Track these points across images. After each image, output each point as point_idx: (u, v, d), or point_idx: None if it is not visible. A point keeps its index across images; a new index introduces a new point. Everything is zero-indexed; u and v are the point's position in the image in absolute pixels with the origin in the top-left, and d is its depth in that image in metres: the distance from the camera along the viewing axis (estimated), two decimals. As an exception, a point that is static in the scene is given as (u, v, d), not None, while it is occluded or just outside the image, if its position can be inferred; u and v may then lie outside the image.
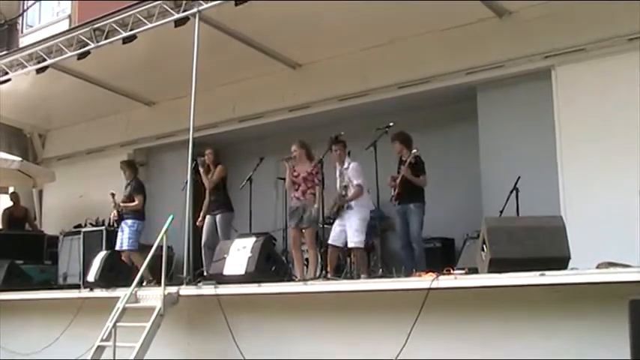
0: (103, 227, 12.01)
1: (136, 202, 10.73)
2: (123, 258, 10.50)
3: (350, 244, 8.90)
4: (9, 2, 19.30)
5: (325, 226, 9.14)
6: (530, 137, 9.59)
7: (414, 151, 9.19)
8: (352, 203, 9.00)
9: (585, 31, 9.10)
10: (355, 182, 9.03)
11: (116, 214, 10.81)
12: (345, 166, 9.12)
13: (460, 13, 9.79)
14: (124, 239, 10.53)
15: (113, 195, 10.66)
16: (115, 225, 11.08)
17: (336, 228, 9.11)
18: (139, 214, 10.78)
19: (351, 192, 9.01)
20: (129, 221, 10.64)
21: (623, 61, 8.77)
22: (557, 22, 9.34)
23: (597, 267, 6.47)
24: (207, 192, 10.46)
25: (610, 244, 7.78)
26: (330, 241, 9.03)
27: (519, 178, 8.77)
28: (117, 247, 10.64)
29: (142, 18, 10.09)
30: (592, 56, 9.08)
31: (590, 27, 9.06)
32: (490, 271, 6.39)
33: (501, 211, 8.63)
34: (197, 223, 10.22)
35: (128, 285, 8.96)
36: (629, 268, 5.86)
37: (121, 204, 10.69)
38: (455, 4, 9.43)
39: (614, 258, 6.53)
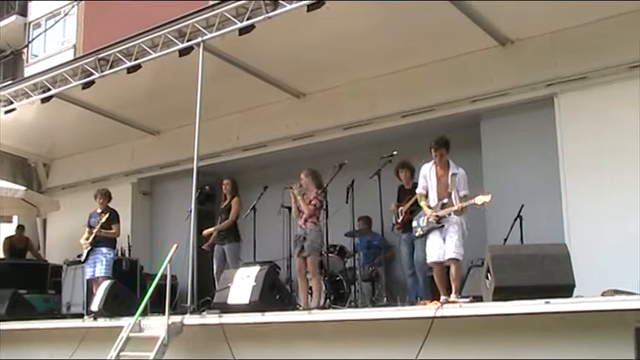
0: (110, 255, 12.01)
1: (114, 231, 11.05)
2: (94, 285, 10.73)
3: (451, 255, 7.82)
4: (14, 29, 19.49)
5: (329, 254, 9.13)
6: (534, 165, 9.60)
7: None
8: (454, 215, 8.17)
9: (587, 59, 9.15)
10: (462, 193, 8.21)
11: (88, 245, 10.96)
12: (452, 172, 8.28)
13: (464, 42, 9.84)
14: (101, 268, 10.81)
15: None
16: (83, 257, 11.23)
17: (433, 244, 8.04)
18: (113, 243, 11.15)
19: (456, 201, 8.09)
20: (104, 249, 10.91)
21: (625, 88, 8.80)
22: (559, 50, 9.39)
23: (602, 294, 6.48)
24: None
25: (615, 272, 7.78)
26: (433, 260, 7.99)
27: (523, 205, 8.77)
28: (94, 275, 10.90)
29: (146, 48, 10.16)
30: (594, 84, 9.12)
31: (592, 55, 9.10)
32: (495, 299, 6.39)
33: (505, 239, 8.64)
34: (205, 247, 10.28)
35: (132, 314, 8.93)
36: (634, 295, 5.85)
37: (102, 231, 10.84)
38: (458, 34, 9.50)
39: (619, 285, 6.54)
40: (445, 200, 8.07)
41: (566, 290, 6.30)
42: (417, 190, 8.44)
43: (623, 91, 8.82)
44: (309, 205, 9.04)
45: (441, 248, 7.85)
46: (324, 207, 9.13)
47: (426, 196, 8.28)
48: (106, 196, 11.30)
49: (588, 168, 8.95)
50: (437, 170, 8.30)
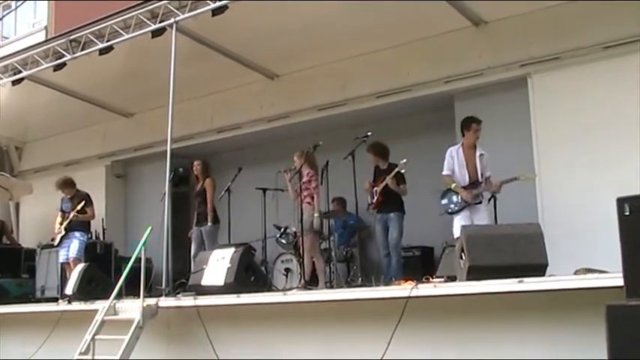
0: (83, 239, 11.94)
1: (89, 214, 11.05)
2: (67, 269, 10.79)
3: None
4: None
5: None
6: (508, 145, 9.64)
7: (404, 161, 9.23)
8: (484, 196, 8.58)
9: (560, 39, 9.20)
10: (488, 174, 8.60)
11: (62, 230, 10.95)
12: (480, 153, 8.64)
13: (437, 22, 9.85)
14: (74, 250, 10.83)
15: None
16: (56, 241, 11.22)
17: (462, 222, 8.29)
18: (87, 227, 11.19)
19: (484, 184, 8.52)
20: (77, 233, 10.94)
21: (599, 68, 8.88)
22: (533, 30, 9.43)
23: (575, 273, 6.52)
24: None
25: (587, 251, 7.85)
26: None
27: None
28: (67, 257, 10.94)
29: (118, 29, 10.06)
30: (567, 64, 9.18)
31: (565, 36, 9.15)
32: (469, 279, 6.41)
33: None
34: (189, 234, 10.27)
35: (107, 297, 8.88)
36: (606, 273, 5.89)
37: (77, 215, 10.81)
38: (432, 14, 9.49)
39: (592, 264, 6.60)
40: (480, 180, 8.46)
41: (539, 269, 6.33)
42: (444, 172, 8.70)
43: (597, 71, 8.89)
44: (309, 185, 9.14)
45: None
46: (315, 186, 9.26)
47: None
48: (66, 184, 11.22)
49: (561, 148, 9.02)
50: (464, 152, 8.61)
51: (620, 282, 5.17)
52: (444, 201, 8.65)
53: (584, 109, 8.95)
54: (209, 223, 10.46)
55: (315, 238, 9.31)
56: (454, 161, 8.64)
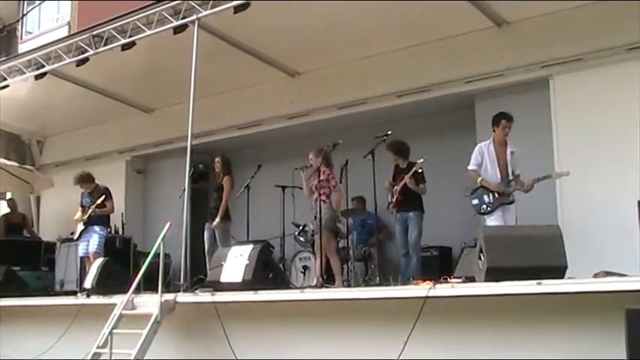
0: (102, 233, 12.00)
1: (108, 207, 11.11)
2: (87, 263, 10.83)
3: None
4: (9, 6, 19.34)
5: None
6: (528, 146, 9.56)
7: (421, 160, 9.21)
8: (514, 196, 8.47)
9: (583, 40, 9.14)
10: (518, 171, 8.53)
11: (82, 224, 11.03)
12: (511, 150, 8.59)
13: (459, 22, 9.82)
14: (94, 244, 10.91)
15: None
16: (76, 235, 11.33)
17: (499, 223, 8.27)
18: (107, 221, 11.30)
19: (514, 182, 8.44)
20: (97, 227, 11.01)
21: (622, 70, 8.82)
22: (555, 31, 9.38)
23: (594, 276, 6.48)
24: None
25: (607, 253, 7.81)
26: None
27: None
28: (87, 251, 11.00)
29: (140, 25, 10.09)
30: (590, 66, 9.12)
31: (588, 37, 9.09)
32: (487, 280, 6.39)
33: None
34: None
35: (125, 292, 8.93)
36: (626, 277, 5.86)
37: (96, 209, 10.86)
38: (454, 14, 9.46)
39: (612, 267, 6.55)
40: (511, 178, 8.38)
41: (558, 271, 6.29)
42: (470, 168, 8.65)
43: (619, 73, 8.83)
44: (327, 183, 9.09)
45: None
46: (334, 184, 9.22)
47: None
48: (84, 180, 11.29)
49: (582, 150, 8.96)
50: (495, 148, 8.53)
51: (640, 286, 5.15)
52: (475, 201, 8.57)
53: (606, 111, 8.89)
54: (217, 220, 10.42)
55: (330, 237, 9.26)
56: (483, 157, 8.57)
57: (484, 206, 8.46)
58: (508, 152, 8.52)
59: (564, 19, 9.27)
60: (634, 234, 5.21)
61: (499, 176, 8.46)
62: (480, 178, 8.48)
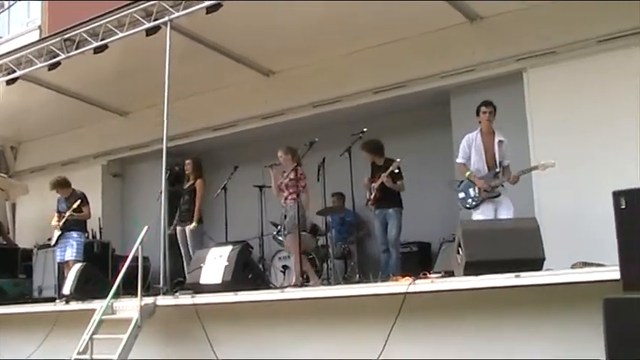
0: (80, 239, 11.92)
1: (85, 213, 10.97)
2: (65, 269, 10.68)
3: None
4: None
5: (302, 232, 9.12)
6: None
7: (398, 160, 9.21)
8: (506, 186, 8.22)
9: (556, 34, 9.20)
10: (507, 162, 8.28)
11: (59, 229, 10.89)
12: (499, 139, 8.34)
13: (433, 18, 9.84)
14: (72, 251, 10.75)
15: None
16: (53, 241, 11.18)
17: (484, 217, 8.07)
18: (84, 226, 11.13)
19: (502, 173, 8.20)
20: (74, 233, 10.86)
21: (594, 63, 8.89)
22: (528, 25, 9.43)
23: (572, 267, 6.53)
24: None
25: (584, 244, 7.84)
26: None
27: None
28: (63, 258, 10.86)
29: (112, 28, 10.03)
30: (563, 59, 9.18)
31: (561, 30, 9.15)
32: (466, 274, 6.42)
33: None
34: (169, 231, 10.24)
35: (104, 297, 8.88)
36: (603, 267, 5.90)
37: (73, 214, 10.75)
38: (428, 10, 9.48)
39: (589, 258, 6.61)
40: (497, 169, 8.18)
41: (536, 264, 6.34)
42: (458, 161, 8.49)
43: (592, 66, 8.90)
44: (297, 182, 9.00)
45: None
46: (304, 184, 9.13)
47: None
48: (61, 185, 11.17)
49: (557, 142, 9.01)
50: (483, 139, 8.33)
51: (617, 275, 5.19)
52: (462, 195, 8.40)
53: (580, 103, 8.95)
54: (194, 224, 10.37)
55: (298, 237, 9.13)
56: (471, 148, 8.35)
57: (470, 200, 8.31)
58: (496, 142, 8.32)
59: (537, 13, 9.31)
60: (610, 224, 5.23)
61: (485, 167, 8.28)
62: (468, 173, 8.29)
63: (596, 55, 8.90)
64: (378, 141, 9.73)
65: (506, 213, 8.03)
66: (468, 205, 8.34)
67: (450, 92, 10.41)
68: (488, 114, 8.27)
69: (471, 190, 8.31)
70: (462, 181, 8.48)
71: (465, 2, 9.55)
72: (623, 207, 5.17)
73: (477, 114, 8.40)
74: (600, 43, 8.87)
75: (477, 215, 8.20)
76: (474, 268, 6.36)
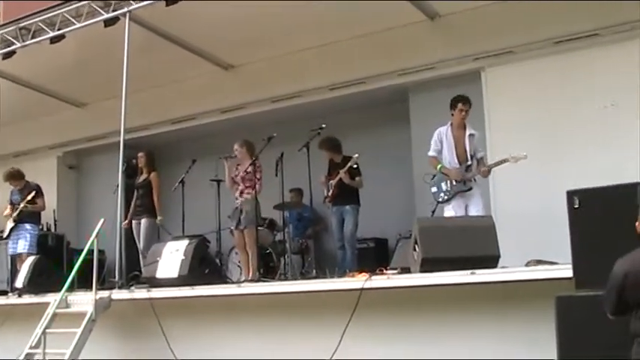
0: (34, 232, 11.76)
1: (39, 204, 10.86)
2: (18, 262, 10.56)
3: None
4: None
5: (259, 227, 9.12)
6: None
7: (356, 156, 9.24)
8: (477, 178, 8.19)
9: (514, 33, 9.29)
10: (480, 155, 8.28)
11: (12, 221, 10.76)
12: (469, 132, 8.28)
13: (392, 15, 9.86)
14: (25, 244, 10.63)
15: None
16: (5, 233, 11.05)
17: (455, 211, 8.05)
18: (38, 219, 10.99)
19: (475, 164, 8.18)
20: (27, 226, 10.75)
21: (551, 63, 9.01)
22: (487, 24, 9.51)
23: (526, 265, 6.62)
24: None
25: (540, 242, 7.94)
26: None
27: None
28: (15, 251, 10.73)
29: (70, 17, 9.90)
30: (520, 58, 9.28)
31: (519, 30, 9.25)
32: (422, 271, 6.46)
33: (433, 212, 8.72)
34: (123, 225, 10.15)
35: (58, 290, 8.77)
36: (557, 265, 5.99)
37: (27, 206, 10.61)
38: (388, 7, 9.51)
39: (544, 256, 6.69)
40: (469, 163, 8.14)
41: (491, 261, 6.41)
42: (430, 154, 8.39)
43: (549, 66, 9.03)
44: (253, 176, 8.96)
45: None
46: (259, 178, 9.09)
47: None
48: (14, 177, 11.00)
49: (514, 141, 9.07)
50: (453, 132, 8.29)
51: (570, 273, 5.28)
52: (434, 189, 8.31)
53: (537, 102, 9.06)
54: (149, 217, 10.31)
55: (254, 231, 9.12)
56: (442, 142, 8.30)
57: (442, 194, 8.23)
58: (467, 135, 8.28)
59: (495, 13, 9.39)
60: (564, 223, 5.32)
61: (457, 161, 8.22)
62: (440, 166, 8.23)
63: (554, 55, 9.02)
64: (336, 139, 9.78)
65: (475, 209, 8.03)
66: (440, 199, 8.27)
67: (408, 89, 10.47)
68: (465, 112, 8.25)
69: (443, 184, 8.25)
70: (434, 175, 8.42)
71: (424, 0, 9.59)
72: (577, 206, 5.27)
73: (451, 108, 8.29)
74: (556, 44, 8.98)
75: (449, 210, 8.17)
76: (430, 264, 6.41)
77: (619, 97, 8.44)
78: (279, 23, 10.18)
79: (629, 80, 8.30)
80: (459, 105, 8.22)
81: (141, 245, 10.08)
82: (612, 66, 8.55)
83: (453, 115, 8.32)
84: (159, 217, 10.25)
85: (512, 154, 7.90)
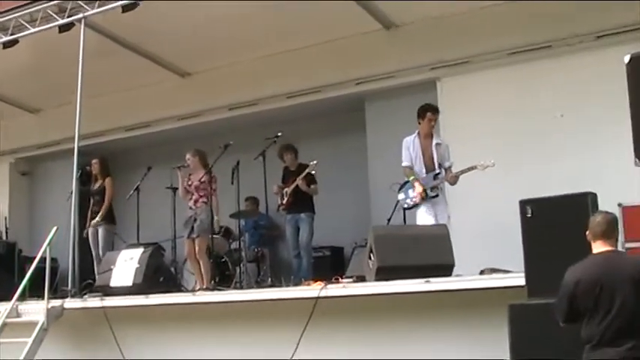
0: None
1: None
2: None
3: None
4: None
5: (214, 235, 9.08)
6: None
7: (314, 162, 9.24)
8: (443, 188, 8.20)
9: (469, 44, 9.38)
10: (447, 164, 8.22)
11: None
12: (436, 142, 8.29)
13: (349, 24, 9.91)
14: None
15: None
16: None
17: (424, 219, 8.00)
18: None
19: (443, 173, 8.15)
20: None
21: (505, 74, 9.10)
22: (443, 35, 9.59)
23: (480, 273, 6.69)
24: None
25: (495, 251, 8.01)
26: None
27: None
28: None
29: (24, 22, 9.77)
30: (475, 69, 9.37)
31: (474, 41, 9.33)
32: (377, 279, 6.50)
33: (389, 220, 8.76)
34: (84, 234, 10.03)
35: (9, 299, 8.63)
36: (510, 273, 6.07)
37: None
38: (344, 16, 9.56)
39: (500, 264, 6.77)
40: (437, 171, 8.13)
41: (446, 269, 6.47)
42: (403, 164, 8.30)
43: (503, 76, 9.12)
44: (207, 185, 8.90)
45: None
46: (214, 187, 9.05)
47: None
48: None
49: (469, 151, 9.14)
50: (421, 141, 8.28)
51: (523, 281, 5.34)
52: (401, 196, 8.28)
53: (492, 112, 9.15)
54: (97, 219, 10.15)
55: (207, 240, 9.07)
56: (410, 151, 8.28)
57: (408, 200, 8.20)
58: (433, 144, 8.27)
59: (451, 23, 9.50)
60: (517, 232, 5.40)
61: (424, 169, 8.22)
62: (412, 177, 8.17)
63: (509, 66, 9.11)
64: (294, 145, 9.78)
65: (441, 216, 8.01)
66: (405, 206, 8.26)
67: (365, 98, 10.51)
68: (434, 121, 8.28)
69: (410, 192, 8.23)
70: (404, 183, 8.38)
71: (380, 8, 9.63)
72: (530, 215, 5.35)
73: (419, 117, 8.30)
74: (510, 55, 9.10)
75: (421, 214, 8.07)
76: (385, 273, 6.46)
77: (572, 108, 8.56)
78: (236, 31, 10.17)
79: (583, 91, 8.46)
80: (428, 114, 8.24)
81: (100, 252, 9.94)
82: (565, 77, 8.68)
83: (420, 123, 8.32)
84: (96, 219, 10.10)
85: (480, 162, 7.96)
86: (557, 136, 8.64)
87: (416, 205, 8.14)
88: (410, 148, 8.30)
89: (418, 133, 8.35)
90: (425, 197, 8.04)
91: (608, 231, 4.46)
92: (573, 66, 8.66)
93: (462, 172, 8.08)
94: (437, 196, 8.13)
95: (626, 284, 4.19)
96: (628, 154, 4.58)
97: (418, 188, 8.07)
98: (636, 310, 4.13)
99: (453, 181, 8.13)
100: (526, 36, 8.97)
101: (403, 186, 8.40)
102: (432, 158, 8.26)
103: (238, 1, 9.15)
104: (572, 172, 8.05)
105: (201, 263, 8.87)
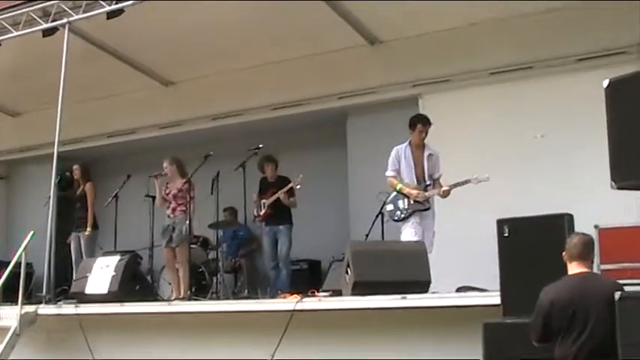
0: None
1: None
2: None
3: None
4: None
5: (192, 245, 9.06)
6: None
7: (300, 176, 9.24)
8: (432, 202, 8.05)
9: (451, 62, 9.46)
10: (437, 175, 8.12)
11: None
12: (428, 152, 8.16)
13: (334, 38, 9.96)
14: None
15: None
16: None
17: (412, 231, 7.84)
18: None
19: (433, 186, 8.03)
20: None
21: (486, 92, 9.18)
22: (426, 52, 9.66)
23: (457, 291, 6.72)
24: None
25: (472, 269, 8.04)
26: None
27: (385, 202, 8.92)
28: None
29: (7, 25, 9.73)
30: (456, 87, 9.44)
31: (455, 59, 9.42)
32: (354, 294, 6.51)
33: (367, 235, 8.77)
34: (67, 241, 9.98)
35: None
36: (485, 292, 6.10)
37: None
38: (329, 30, 9.61)
39: (477, 282, 6.80)
40: (428, 182, 8.04)
41: (422, 286, 6.49)
42: (388, 174, 8.16)
43: (484, 94, 9.19)
44: (186, 194, 8.88)
45: (420, 238, 7.69)
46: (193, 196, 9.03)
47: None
48: None
49: (449, 168, 9.20)
50: (412, 152, 8.16)
51: (498, 300, 5.37)
52: (390, 207, 8.10)
53: (471, 131, 9.21)
54: (88, 230, 10.14)
55: (186, 248, 9.05)
56: (400, 161, 8.14)
57: (398, 212, 8.02)
58: (425, 155, 8.16)
59: (434, 41, 9.56)
60: (494, 251, 5.43)
61: (415, 181, 8.09)
62: (399, 186, 8.03)
63: (489, 85, 9.19)
64: (275, 157, 9.79)
65: (427, 233, 7.91)
66: (396, 218, 8.07)
67: (347, 112, 10.55)
68: (425, 133, 8.15)
69: (400, 202, 8.05)
70: (389, 195, 8.25)
71: (365, 24, 9.68)
72: (506, 235, 5.38)
73: (410, 128, 8.17)
74: (492, 74, 9.17)
75: (406, 229, 7.91)
76: (361, 288, 6.47)
77: (552, 129, 8.64)
78: (221, 41, 10.18)
79: (562, 112, 8.54)
80: (419, 126, 8.11)
81: (84, 257, 9.87)
82: (546, 98, 8.76)
83: (411, 134, 8.20)
84: (88, 229, 10.05)
85: (474, 176, 7.86)
86: (536, 157, 8.70)
87: (408, 217, 7.97)
88: (401, 158, 8.17)
89: (410, 143, 8.23)
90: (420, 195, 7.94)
91: (584, 253, 4.51)
92: (553, 87, 8.75)
93: (455, 185, 7.97)
94: (428, 209, 8.03)
95: (600, 306, 4.24)
96: (605, 176, 4.62)
97: (413, 192, 7.95)
98: (609, 332, 4.17)
99: (446, 194, 7.99)
100: (507, 56, 9.05)
101: (391, 198, 8.22)
102: (423, 169, 8.16)
103: (223, 11, 9.19)
104: (550, 193, 8.11)
105: (181, 272, 8.85)
